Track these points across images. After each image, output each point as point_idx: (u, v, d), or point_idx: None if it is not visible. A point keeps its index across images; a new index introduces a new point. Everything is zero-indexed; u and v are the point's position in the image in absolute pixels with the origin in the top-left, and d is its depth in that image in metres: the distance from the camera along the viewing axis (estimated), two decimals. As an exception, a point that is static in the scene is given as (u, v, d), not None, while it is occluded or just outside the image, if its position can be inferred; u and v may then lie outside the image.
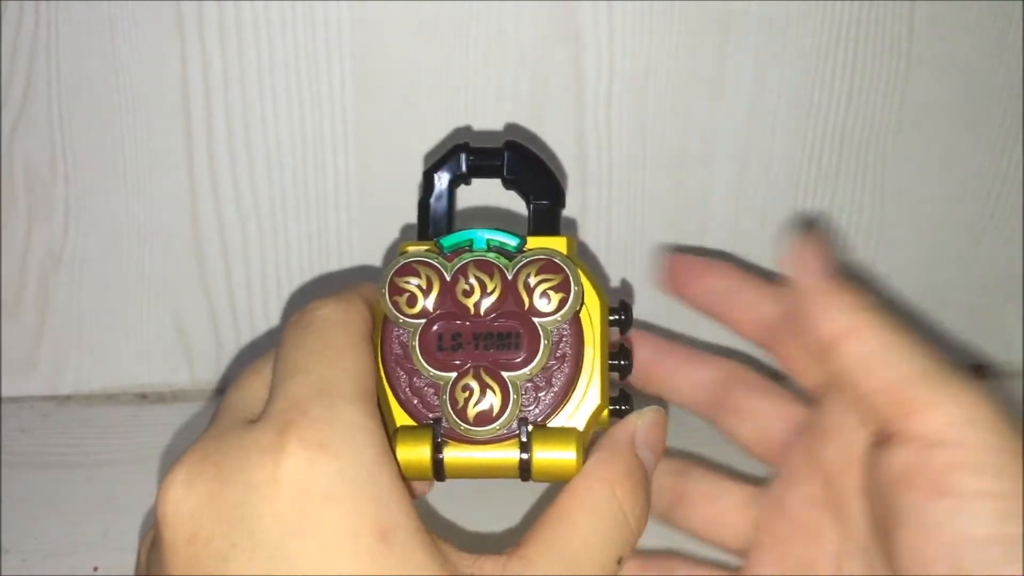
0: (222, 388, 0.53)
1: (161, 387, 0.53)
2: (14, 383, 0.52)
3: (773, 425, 0.38)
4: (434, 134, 0.48)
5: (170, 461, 0.37)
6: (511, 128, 0.48)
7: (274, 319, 0.52)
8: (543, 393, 0.32)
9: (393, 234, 0.50)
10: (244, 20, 0.45)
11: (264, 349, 0.51)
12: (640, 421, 0.32)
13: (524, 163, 0.35)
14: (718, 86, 0.48)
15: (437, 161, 0.35)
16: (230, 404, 0.30)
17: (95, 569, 0.43)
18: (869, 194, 0.52)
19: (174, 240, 0.50)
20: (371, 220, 0.50)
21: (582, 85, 0.48)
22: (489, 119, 0.48)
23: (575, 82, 0.48)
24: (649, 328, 0.50)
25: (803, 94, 0.49)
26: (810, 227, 0.34)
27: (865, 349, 0.32)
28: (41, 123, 0.47)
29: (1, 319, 0.51)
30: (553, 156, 0.49)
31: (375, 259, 0.51)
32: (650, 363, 0.40)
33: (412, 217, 0.50)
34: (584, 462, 0.31)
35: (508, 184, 0.35)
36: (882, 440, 0.31)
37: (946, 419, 0.30)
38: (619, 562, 0.29)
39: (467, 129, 0.48)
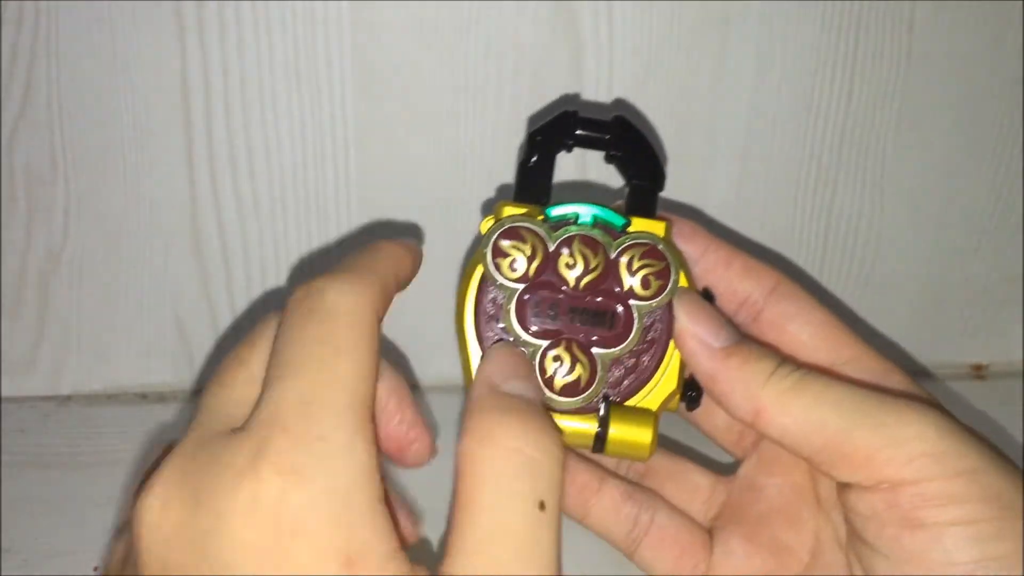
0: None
1: (161, 387, 0.53)
2: (14, 383, 0.52)
3: None
4: (434, 134, 0.48)
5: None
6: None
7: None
8: (628, 374, 0.33)
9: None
10: (244, 20, 0.45)
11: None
12: (485, 362, 0.31)
13: (630, 140, 0.35)
14: (718, 86, 0.48)
15: (543, 125, 0.35)
16: (211, 406, 0.29)
17: (95, 569, 0.43)
18: (869, 194, 0.52)
19: (174, 240, 0.50)
20: (371, 220, 0.50)
21: (582, 85, 0.48)
22: (489, 119, 0.48)
23: (575, 82, 0.48)
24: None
25: (803, 94, 0.49)
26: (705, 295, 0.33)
27: (786, 422, 0.31)
28: (41, 123, 0.47)
29: (1, 319, 0.51)
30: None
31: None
32: None
33: (412, 216, 0.50)
34: (655, 445, 0.32)
35: (610, 159, 0.35)
36: (843, 486, 0.31)
37: (898, 461, 0.29)
38: (542, 506, 0.26)
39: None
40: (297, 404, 0.26)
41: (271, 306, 0.52)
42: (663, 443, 0.39)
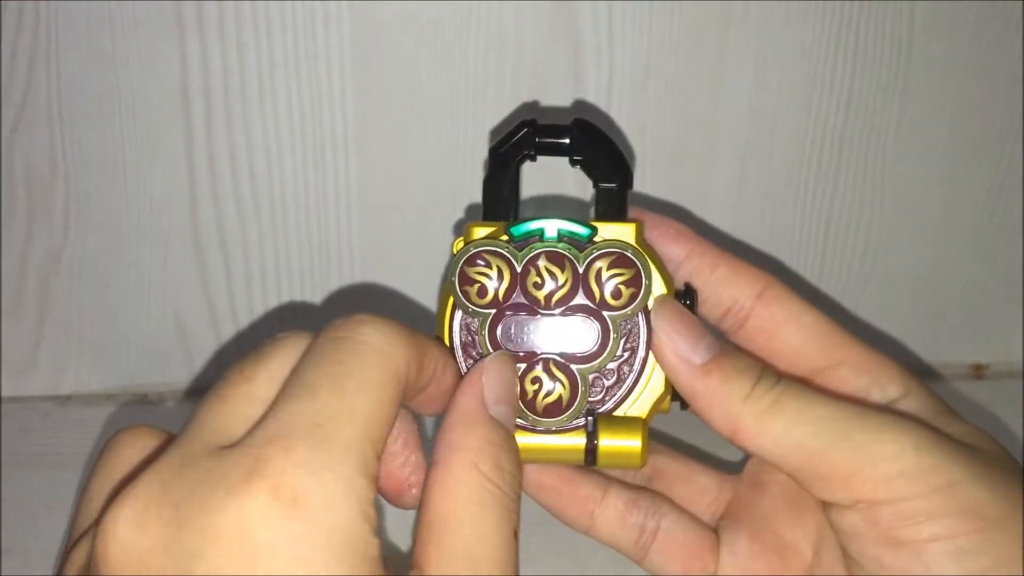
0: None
1: (161, 387, 0.53)
2: (14, 383, 0.52)
3: None
4: (434, 134, 0.48)
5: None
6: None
7: (274, 319, 0.52)
8: (611, 385, 0.32)
9: (393, 233, 0.50)
10: (244, 20, 0.45)
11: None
12: (484, 377, 0.30)
13: (592, 142, 0.34)
14: (718, 86, 0.48)
15: (502, 138, 0.34)
16: (205, 420, 0.26)
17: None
18: (869, 194, 0.52)
19: (174, 240, 0.50)
20: (371, 220, 0.50)
21: (582, 85, 0.48)
22: (489, 119, 0.48)
23: (575, 82, 0.48)
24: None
25: (803, 94, 0.49)
26: (683, 297, 0.33)
27: (764, 442, 0.31)
28: (41, 123, 0.47)
29: (1, 319, 0.51)
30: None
31: (374, 259, 0.51)
32: None
33: (411, 216, 0.50)
34: (646, 451, 0.32)
35: (575, 163, 0.35)
36: (825, 504, 0.31)
37: (875, 480, 0.29)
38: (515, 535, 0.27)
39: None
40: (308, 426, 0.24)
41: (272, 317, 0.52)
42: (671, 445, 0.39)
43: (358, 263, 0.51)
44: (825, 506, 0.31)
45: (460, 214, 0.50)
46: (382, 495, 0.31)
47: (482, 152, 0.49)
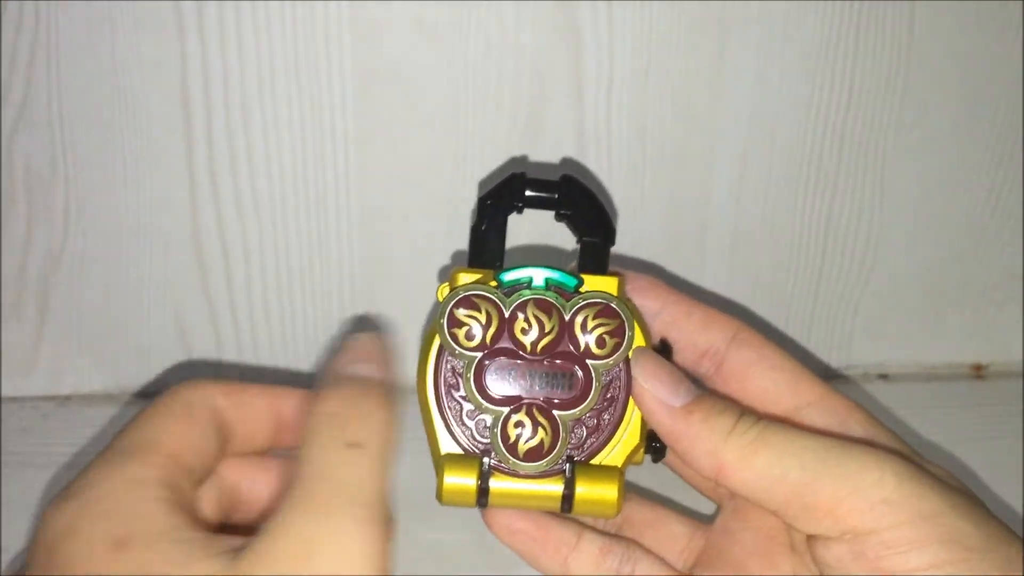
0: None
1: (161, 387, 0.53)
2: (14, 383, 0.52)
3: None
4: (434, 134, 0.48)
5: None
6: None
7: (274, 319, 0.52)
8: (591, 433, 0.33)
9: (393, 233, 0.50)
10: (244, 20, 0.45)
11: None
12: (338, 356, 0.32)
13: (579, 198, 0.35)
14: (718, 86, 0.48)
15: (492, 189, 0.35)
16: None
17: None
18: (869, 194, 0.52)
19: (174, 240, 0.50)
20: (371, 220, 0.50)
21: (582, 85, 0.48)
22: (489, 119, 0.48)
23: (575, 82, 0.48)
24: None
25: (803, 94, 0.49)
26: (661, 349, 0.35)
27: (748, 477, 0.31)
28: (41, 123, 0.47)
29: (1, 319, 0.51)
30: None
31: (374, 259, 0.51)
32: None
33: (411, 216, 0.50)
34: (621, 500, 0.33)
35: (560, 218, 0.36)
36: (811, 538, 0.31)
37: (860, 509, 0.30)
38: (353, 445, 0.28)
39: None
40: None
41: (272, 317, 0.52)
42: (642, 493, 0.39)
43: (358, 263, 0.51)
44: (810, 541, 0.32)
45: (460, 214, 0.50)
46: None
47: (482, 152, 0.49)
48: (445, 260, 0.51)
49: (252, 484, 0.34)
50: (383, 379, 0.31)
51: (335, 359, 0.31)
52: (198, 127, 0.47)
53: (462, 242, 0.50)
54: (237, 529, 0.34)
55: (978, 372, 0.57)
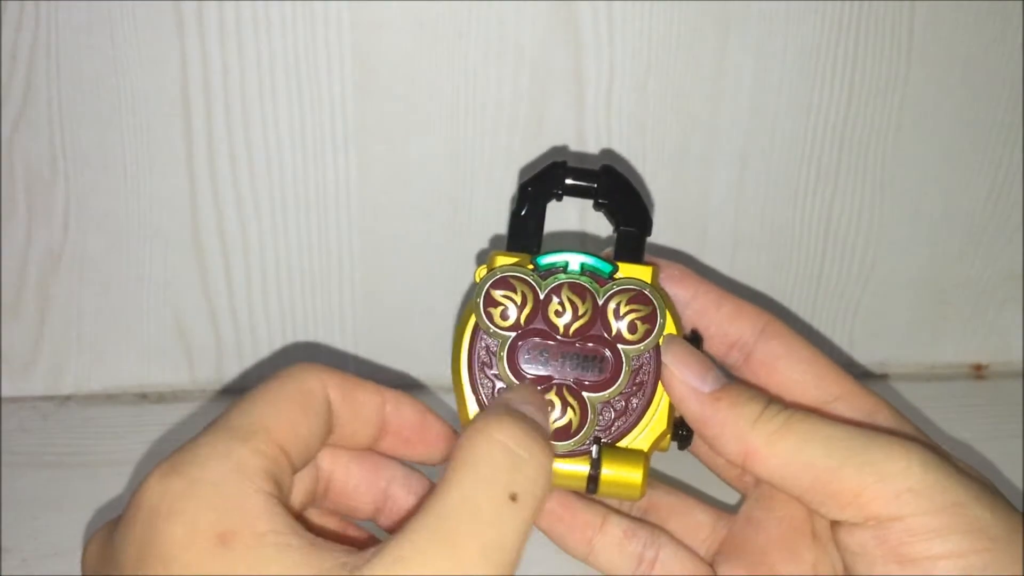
0: (222, 388, 0.53)
1: (161, 387, 0.53)
2: (14, 383, 0.52)
3: None
4: (434, 134, 0.48)
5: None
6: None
7: (274, 319, 0.52)
8: (619, 416, 0.34)
9: (393, 233, 0.50)
10: (244, 20, 0.45)
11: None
12: (509, 393, 0.33)
13: (617, 188, 0.36)
14: (718, 86, 0.48)
15: (534, 176, 0.36)
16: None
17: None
18: (869, 194, 0.52)
19: (174, 240, 0.50)
20: (371, 220, 0.50)
21: (582, 85, 0.48)
22: (489, 119, 0.48)
23: (575, 82, 0.48)
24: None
25: (803, 94, 0.49)
26: (692, 337, 0.36)
27: (775, 463, 0.31)
28: (41, 123, 0.47)
29: (1, 319, 0.51)
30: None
31: (374, 259, 0.51)
32: None
33: (411, 216, 0.50)
34: (646, 484, 0.33)
35: (598, 207, 0.36)
36: (835, 524, 0.32)
37: (885, 497, 0.30)
38: (513, 498, 0.27)
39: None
40: (210, 432, 0.29)
41: (272, 317, 0.52)
42: (669, 480, 0.40)
43: (358, 263, 0.51)
44: (834, 527, 0.32)
45: (460, 214, 0.50)
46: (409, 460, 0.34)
47: (482, 152, 0.49)
48: (445, 260, 0.51)
49: (346, 475, 0.34)
50: (547, 430, 0.32)
51: (506, 395, 0.32)
52: (198, 127, 0.47)
53: (462, 242, 0.50)
54: (328, 517, 0.35)
55: (978, 372, 0.57)
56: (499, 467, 0.28)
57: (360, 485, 0.34)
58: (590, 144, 0.49)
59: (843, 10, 0.47)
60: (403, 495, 0.35)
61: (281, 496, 0.28)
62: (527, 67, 0.47)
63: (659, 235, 0.51)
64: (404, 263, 0.51)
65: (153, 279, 0.51)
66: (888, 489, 0.30)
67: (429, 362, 0.53)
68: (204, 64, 0.46)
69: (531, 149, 0.49)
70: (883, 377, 0.56)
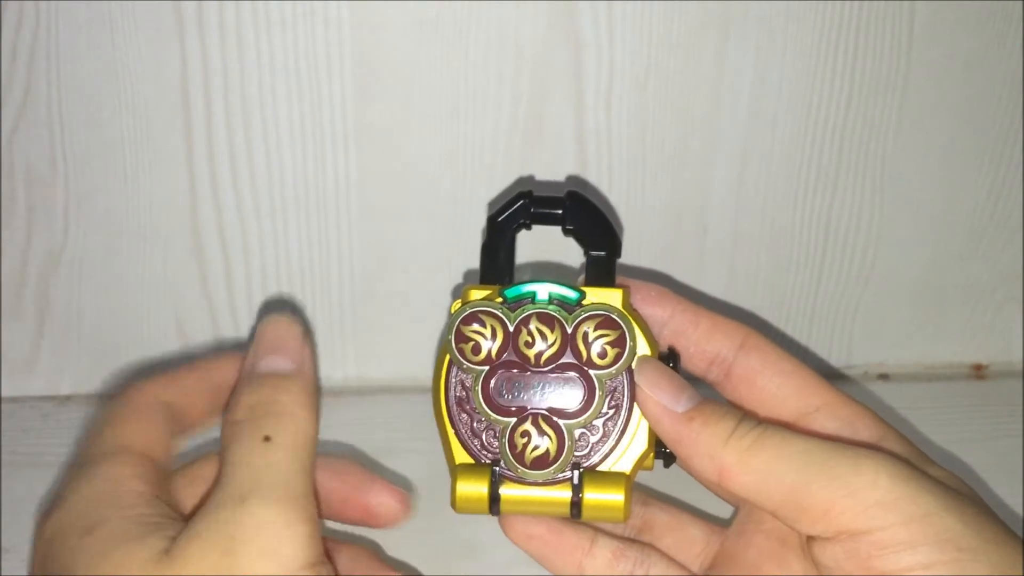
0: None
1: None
2: (14, 383, 0.52)
3: None
4: (434, 134, 0.48)
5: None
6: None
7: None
8: (596, 440, 0.34)
9: (393, 233, 0.50)
10: (244, 20, 0.45)
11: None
12: (252, 348, 0.34)
13: (585, 214, 0.36)
14: (718, 86, 0.48)
15: (501, 207, 0.36)
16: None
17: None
18: (869, 194, 0.52)
19: (174, 240, 0.50)
20: (371, 220, 0.50)
21: (582, 85, 0.48)
22: (489, 119, 0.48)
23: (575, 82, 0.48)
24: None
25: (803, 94, 0.49)
26: (667, 356, 0.36)
27: (748, 480, 0.32)
28: (41, 123, 0.47)
29: (1, 319, 0.51)
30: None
31: (374, 259, 0.51)
32: None
33: (411, 216, 0.50)
34: (629, 505, 0.33)
35: (568, 233, 0.37)
36: (809, 539, 0.32)
37: (854, 511, 0.30)
38: (266, 439, 0.30)
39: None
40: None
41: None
42: (662, 497, 0.40)
43: (358, 263, 0.51)
44: (809, 542, 0.32)
45: (460, 214, 0.50)
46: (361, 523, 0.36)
47: (482, 152, 0.49)
48: (445, 260, 0.51)
49: None
50: (296, 369, 0.32)
51: (249, 353, 0.33)
52: (198, 127, 0.47)
53: (462, 242, 0.50)
54: None
55: (978, 372, 0.57)
56: (246, 428, 0.30)
57: None
58: (590, 144, 0.49)
59: (843, 10, 0.47)
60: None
61: (158, 491, 0.30)
62: (527, 67, 0.47)
63: (659, 235, 0.51)
64: (404, 263, 0.51)
65: (153, 279, 0.51)
66: (856, 503, 0.30)
67: (429, 362, 0.53)
68: (204, 64, 0.46)
69: (531, 149, 0.49)
70: (883, 377, 0.56)
